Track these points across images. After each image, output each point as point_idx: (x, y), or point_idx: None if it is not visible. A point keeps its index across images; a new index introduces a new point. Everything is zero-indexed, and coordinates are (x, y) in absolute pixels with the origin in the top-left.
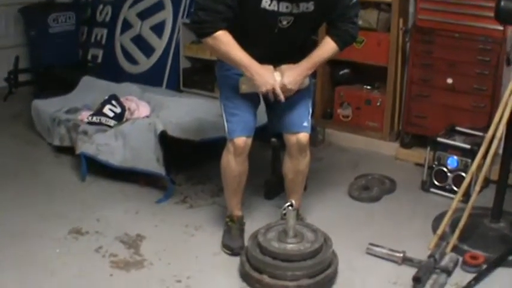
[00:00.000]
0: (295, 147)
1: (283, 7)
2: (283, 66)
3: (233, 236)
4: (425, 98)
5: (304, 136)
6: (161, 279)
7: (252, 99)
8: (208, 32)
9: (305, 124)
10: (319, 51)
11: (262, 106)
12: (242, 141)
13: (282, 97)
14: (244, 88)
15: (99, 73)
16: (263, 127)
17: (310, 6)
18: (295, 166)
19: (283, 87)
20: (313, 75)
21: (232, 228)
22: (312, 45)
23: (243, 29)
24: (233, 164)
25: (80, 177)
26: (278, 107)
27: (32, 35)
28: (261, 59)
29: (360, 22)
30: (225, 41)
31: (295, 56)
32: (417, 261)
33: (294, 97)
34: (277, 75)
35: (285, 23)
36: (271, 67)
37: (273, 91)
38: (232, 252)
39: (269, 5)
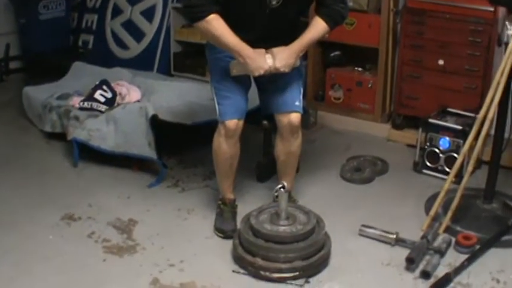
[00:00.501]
0: (287, 129)
1: None
2: (275, 49)
3: (225, 219)
4: (416, 79)
5: (295, 117)
6: (154, 263)
7: (243, 81)
8: (200, 16)
9: (297, 103)
10: (310, 32)
11: (253, 89)
12: (233, 123)
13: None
14: (235, 71)
15: (90, 59)
16: (255, 110)
17: None
18: (286, 148)
19: (276, 71)
20: (304, 57)
21: (224, 211)
22: (302, 26)
23: (233, 11)
24: (224, 146)
25: (72, 163)
26: (270, 87)
27: (22, 22)
28: (252, 42)
29: (351, 4)
30: (216, 25)
31: (286, 38)
32: (410, 242)
33: (285, 77)
34: (268, 58)
35: (274, 2)
36: (263, 51)
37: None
38: (225, 235)
39: None
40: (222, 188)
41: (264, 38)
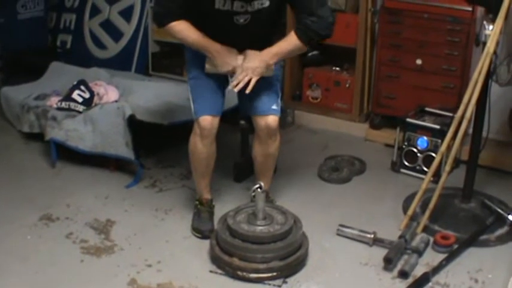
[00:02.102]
0: (265, 132)
1: (238, 6)
2: (249, 51)
3: (202, 219)
4: (394, 79)
5: (273, 120)
6: (132, 264)
7: (220, 80)
8: (163, 22)
9: (274, 107)
10: (282, 44)
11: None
12: (208, 120)
13: (242, 80)
14: (208, 68)
15: (68, 59)
16: (232, 110)
17: (265, 2)
18: (264, 150)
19: (247, 73)
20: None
21: (201, 211)
22: (279, 38)
23: (203, 26)
24: (200, 146)
25: (49, 164)
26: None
27: (0, 21)
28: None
29: (329, 4)
30: (179, 29)
31: (261, 46)
32: (388, 242)
33: (262, 81)
34: (239, 58)
35: (242, 20)
36: (234, 50)
37: (234, 72)
38: (202, 235)
39: (223, 6)
40: (198, 188)
41: (239, 46)
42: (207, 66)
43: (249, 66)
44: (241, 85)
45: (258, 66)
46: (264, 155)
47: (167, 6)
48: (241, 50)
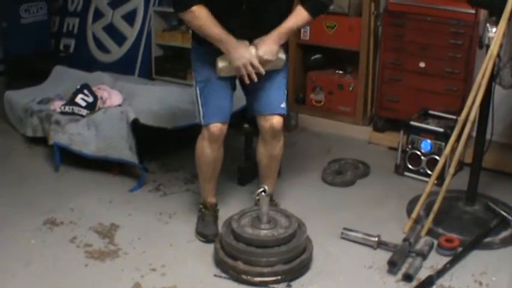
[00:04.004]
0: (269, 132)
1: None
2: (256, 40)
3: (207, 223)
4: (397, 82)
5: (278, 121)
6: (136, 268)
7: (228, 84)
8: (185, 6)
9: (282, 105)
10: (290, 21)
11: (236, 92)
12: (217, 127)
13: (261, 69)
14: (221, 71)
15: (71, 63)
16: (236, 113)
17: None
18: (268, 151)
19: (260, 59)
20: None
21: (206, 215)
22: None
23: (213, 6)
24: (208, 150)
25: (53, 168)
26: (255, 89)
27: (3, 26)
28: (235, 32)
29: (332, 7)
30: (200, 15)
31: (270, 29)
32: (392, 245)
33: (271, 78)
34: (252, 49)
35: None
36: (246, 42)
37: (250, 66)
38: (207, 239)
39: None
40: (204, 191)
41: (249, 31)
42: (220, 66)
43: (263, 52)
44: (262, 71)
45: (272, 50)
46: (269, 157)
47: None
48: (252, 33)
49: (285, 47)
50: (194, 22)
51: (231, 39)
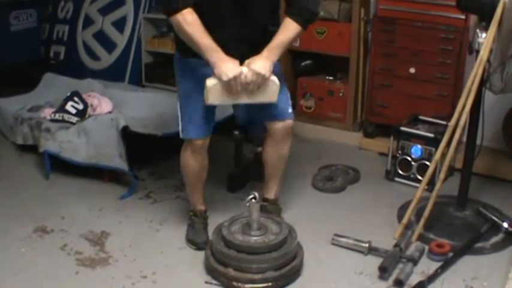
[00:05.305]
0: (281, 132)
1: None
2: (247, 61)
3: (197, 231)
4: (388, 88)
5: (290, 123)
6: (127, 275)
7: None
8: (175, 7)
9: (290, 111)
10: (281, 35)
11: None
12: (197, 142)
13: (251, 86)
14: (209, 91)
15: (61, 70)
16: (226, 120)
17: None
18: (278, 151)
19: (255, 75)
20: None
21: (195, 222)
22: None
23: (202, 9)
24: (192, 161)
25: (43, 175)
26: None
27: None
28: (225, 44)
29: (322, 13)
30: (190, 20)
31: (259, 42)
32: (383, 251)
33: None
34: (243, 67)
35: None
36: (237, 60)
37: (241, 80)
38: (197, 246)
39: None
40: (192, 199)
41: (235, 40)
42: (208, 86)
43: (255, 67)
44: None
45: (266, 65)
46: (277, 157)
47: None
48: (239, 43)
49: (278, 75)
50: (183, 27)
51: (220, 51)
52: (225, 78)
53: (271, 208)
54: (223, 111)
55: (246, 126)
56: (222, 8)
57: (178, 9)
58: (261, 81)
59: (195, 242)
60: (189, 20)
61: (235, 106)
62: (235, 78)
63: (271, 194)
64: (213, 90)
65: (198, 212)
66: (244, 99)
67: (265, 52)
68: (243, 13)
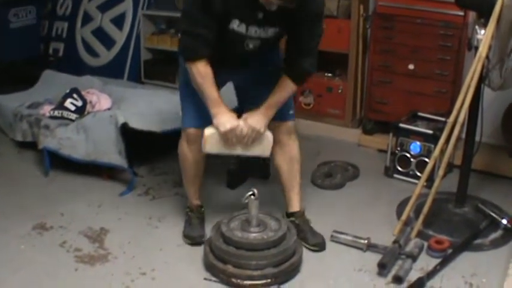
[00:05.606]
0: (284, 131)
1: (252, 31)
2: (244, 115)
3: (193, 226)
4: (386, 84)
5: (291, 123)
6: (126, 272)
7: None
8: (191, 58)
9: (291, 112)
10: (278, 94)
11: (229, 93)
12: (193, 131)
13: (246, 139)
14: (207, 140)
15: (60, 67)
16: None
17: (277, 28)
18: (287, 153)
19: (250, 129)
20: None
21: (192, 217)
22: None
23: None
24: (187, 151)
25: (43, 172)
26: (260, 103)
27: None
28: (224, 65)
29: None
30: (203, 72)
31: (259, 61)
32: (382, 248)
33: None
34: (240, 120)
35: (251, 46)
36: (235, 115)
37: (237, 133)
38: (193, 241)
39: (237, 26)
40: (188, 194)
41: (237, 62)
42: (206, 134)
43: (251, 122)
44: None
45: (262, 120)
46: (289, 159)
47: (196, 34)
48: (240, 64)
49: (279, 65)
50: (195, 77)
51: (222, 105)
52: (222, 129)
53: (300, 222)
54: (227, 105)
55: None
56: (230, 50)
57: (196, 59)
58: (255, 136)
59: (190, 236)
60: (202, 72)
61: (240, 101)
62: (232, 130)
63: (295, 207)
64: (210, 139)
65: (194, 207)
66: (239, 151)
67: (263, 109)
68: (249, 54)
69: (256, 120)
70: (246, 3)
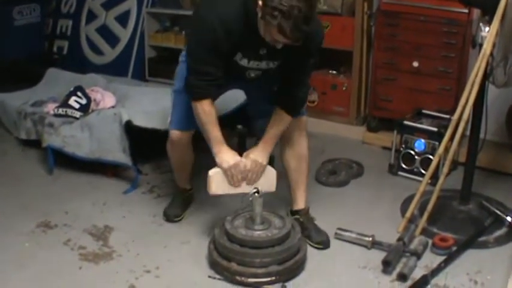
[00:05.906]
0: (296, 128)
1: (254, 64)
2: (245, 153)
3: (173, 204)
4: (391, 82)
5: (303, 119)
6: (130, 270)
7: None
8: (198, 97)
9: (302, 109)
10: (274, 128)
11: (228, 95)
12: (175, 134)
13: (250, 171)
14: (213, 187)
15: (64, 65)
16: (229, 114)
17: (278, 61)
18: (296, 151)
19: (253, 163)
20: None
21: (175, 196)
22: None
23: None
24: (171, 152)
25: (47, 170)
26: (268, 103)
27: None
28: (229, 83)
29: (325, 7)
30: (208, 111)
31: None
32: (386, 245)
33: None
34: (239, 158)
35: (253, 75)
36: (236, 153)
37: (239, 170)
38: (167, 219)
39: (240, 59)
40: (178, 179)
41: (244, 85)
42: (211, 174)
43: (253, 156)
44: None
45: (263, 155)
46: (298, 157)
47: (205, 73)
48: (245, 85)
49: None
50: (200, 115)
51: (224, 144)
52: (225, 165)
53: (304, 219)
54: (226, 105)
55: (255, 118)
56: (234, 77)
57: (201, 99)
58: (258, 169)
59: (166, 213)
60: (206, 111)
61: (248, 97)
62: (235, 166)
63: (300, 204)
64: (215, 179)
65: (181, 189)
66: (246, 189)
67: (261, 144)
68: (252, 80)
69: (257, 154)
70: (253, 42)
